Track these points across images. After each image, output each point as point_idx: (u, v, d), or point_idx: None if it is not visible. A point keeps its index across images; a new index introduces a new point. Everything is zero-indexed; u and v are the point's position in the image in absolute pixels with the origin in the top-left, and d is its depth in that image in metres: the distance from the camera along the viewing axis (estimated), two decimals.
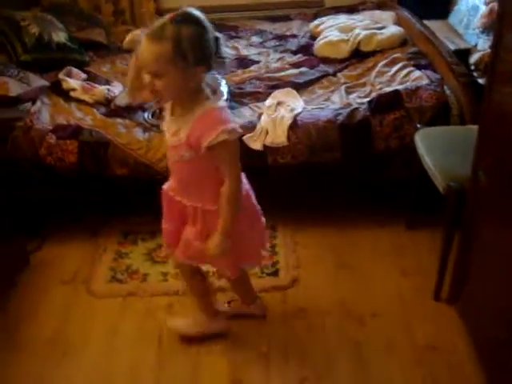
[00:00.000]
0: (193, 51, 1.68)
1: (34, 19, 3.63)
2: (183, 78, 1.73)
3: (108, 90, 3.23)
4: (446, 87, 2.87)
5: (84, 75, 3.45)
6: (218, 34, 1.77)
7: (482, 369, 2.14)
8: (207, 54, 1.73)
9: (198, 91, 1.80)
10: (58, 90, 3.26)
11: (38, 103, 3.07)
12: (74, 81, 3.30)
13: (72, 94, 3.22)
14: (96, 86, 3.28)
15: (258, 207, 2.15)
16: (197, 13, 1.72)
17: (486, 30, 3.16)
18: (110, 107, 3.13)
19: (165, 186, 2.08)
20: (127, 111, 3.06)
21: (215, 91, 1.85)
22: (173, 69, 1.70)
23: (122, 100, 3.18)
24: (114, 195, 2.90)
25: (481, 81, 2.92)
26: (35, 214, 2.94)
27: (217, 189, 1.90)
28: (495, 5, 3.02)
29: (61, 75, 3.34)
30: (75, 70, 3.45)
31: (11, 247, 2.68)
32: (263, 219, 2.19)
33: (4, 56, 3.46)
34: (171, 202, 2.05)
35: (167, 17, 1.69)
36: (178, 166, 1.96)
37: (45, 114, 2.99)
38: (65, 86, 3.26)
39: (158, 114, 2.99)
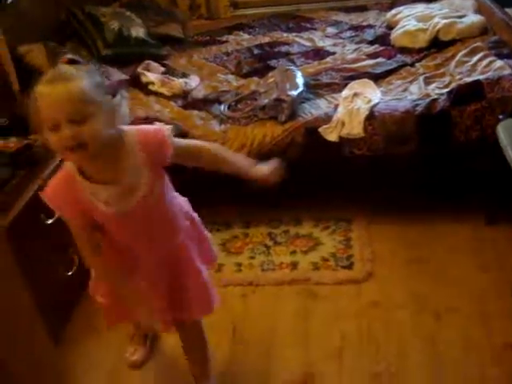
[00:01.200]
0: (102, 81, 1.53)
1: (114, 15, 3.74)
2: (110, 116, 1.51)
3: (185, 82, 3.30)
4: None
5: (162, 69, 3.53)
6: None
7: None
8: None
9: (116, 131, 1.57)
10: (137, 84, 3.35)
11: (118, 96, 3.15)
12: (152, 74, 3.38)
13: (151, 87, 3.29)
14: (174, 79, 3.35)
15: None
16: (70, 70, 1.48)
17: None
18: (187, 100, 3.18)
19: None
20: (204, 103, 3.11)
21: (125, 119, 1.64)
22: (98, 106, 1.47)
23: (199, 92, 3.23)
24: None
25: None
26: None
27: (179, 207, 1.81)
28: None
29: (140, 69, 3.43)
30: (153, 64, 3.54)
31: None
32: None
33: (85, 51, 3.57)
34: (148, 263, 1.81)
35: (55, 67, 1.48)
36: (143, 222, 1.68)
37: (124, 107, 3.07)
38: (144, 79, 3.35)
39: (234, 107, 3.03)
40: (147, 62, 3.53)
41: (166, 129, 1.63)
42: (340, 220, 2.94)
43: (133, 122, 2.84)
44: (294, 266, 2.69)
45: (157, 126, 1.69)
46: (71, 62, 1.49)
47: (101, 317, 2.10)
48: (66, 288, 2.46)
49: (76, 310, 2.56)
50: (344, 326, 2.37)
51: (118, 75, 3.36)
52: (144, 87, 3.30)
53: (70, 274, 2.43)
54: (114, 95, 1.65)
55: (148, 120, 2.92)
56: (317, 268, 2.67)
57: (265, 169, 1.80)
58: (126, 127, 1.61)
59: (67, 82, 1.41)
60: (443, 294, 2.47)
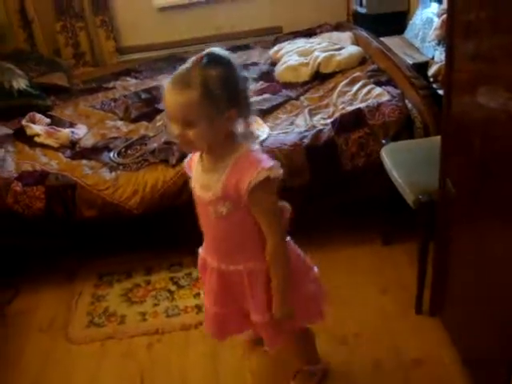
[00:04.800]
0: (223, 94, 1.53)
1: None
2: (216, 125, 1.57)
3: (72, 132, 3.22)
4: (407, 101, 2.90)
5: (47, 120, 3.43)
6: (246, 74, 1.64)
7: (470, 379, 2.13)
8: (238, 95, 1.58)
9: (230, 137, 1.63)
10: (22, 137, 3.24)
11: (2, 151, 3.05)
12: (37, 126, 3.29)
13: (36, 139, 3.19)
14: (60, 129, 3.27)
15: (303, 255, 1.98)
16: (224, 52, 1.59)
17: (440, 41, 3.20)
18: (75, 149, 3.11)
19: (201, 250, 1.93)
20: (93, 152, 3.04)
21: (246, 135, 1.67)
22: (204, 116, 1.53)
23: (87, 141, 3.17)
24: (85, 238, 2.86)
25: (441, 92, 2.96)
26: (7, 263, 2.88)
27: (260, 244, 1.73)
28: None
29: (24, 122, 3.33)
30: (38, 116, 3.44)
31: None
32: (315, 268, 2.02)
33: None
34: (211, 273, 1.85)
35: (191, 60, 1.54)
36: (214, 223, 1.74)
37: (9, 162, 2.97)
38: (28, 132, 3.24)
39: (124, 153, 2.98)
40: (31, 113, 3.42)
41: (264, 173, 1.60)
42: None
43: (20, 177, 2.79)
44: (198, 308, 2.64)
45: (265, 163, 1.62)
46: (207, 60, 1.53)
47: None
48: None
49: None
50: (254, 363, 2.35)
51: (1, 130, 3.25)
52: (29, 140, 3.20)
53: None
54: None
55: (36, 173, 2.83)
56: None
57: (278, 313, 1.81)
58: (252, 144, 1.68)
59: (183, 91, 1.51)
60: (349, 318, 2.49)
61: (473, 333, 2.10)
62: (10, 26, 4.40)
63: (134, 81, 4.05)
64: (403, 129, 2.79)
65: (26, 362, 2.48)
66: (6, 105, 3.53)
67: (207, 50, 1.56)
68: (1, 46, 4.33)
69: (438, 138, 2.23)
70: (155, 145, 2.86)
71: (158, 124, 3.04)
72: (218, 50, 1.58)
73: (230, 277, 1.81)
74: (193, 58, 1.54)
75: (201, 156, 1.72)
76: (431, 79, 3.19)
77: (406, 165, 2.47)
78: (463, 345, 2.21)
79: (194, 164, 1.78)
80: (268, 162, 1.62)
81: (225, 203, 1.66)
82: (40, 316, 2.72)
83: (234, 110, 1.57)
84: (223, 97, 1.53)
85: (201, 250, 1.92)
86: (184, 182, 2.72)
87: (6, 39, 4.43)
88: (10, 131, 3.29)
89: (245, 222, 1.70)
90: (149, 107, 3.52)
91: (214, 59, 1.54)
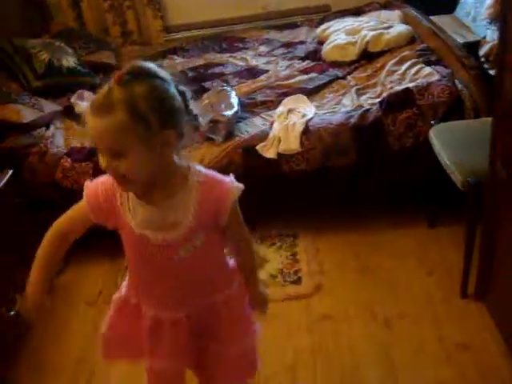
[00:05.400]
0: (155, 112, 1.28)
1: (44, 46, 3.68)
2: (152, 151, 1.32)
3: None
4: (457, 81, 2.83)
5: None
6: (183, 88, 1.40)
7: None
8: (174, 111, 1.34)
9: (171, 162, 1.40)
10: (71, 114, 3.29)
11: (52, 128, 3.10)
12: (85, 104, 3.33)
13: None
14: None
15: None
16: (150, 65, 1.35)
17: (493, 20, 3.12)
18: None
19: (122, 296, 1.68)
20: None
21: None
22: (135, 143, 1.29)
23: None
24: None
25: (492, 72, 2.88)
26: None
27: (228, 268, 1.64)
28: None
29: (73, 99, 3.38)
30: (87, 93, 3.48)
31: None
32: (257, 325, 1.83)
33: (16, 84, 3.50)
34: (172, 326, 1.60)
35: (112, 79, 1.30)
36: (175, 267, 1.51)
37: (59, 139, 3.02)
38: (77, 109, 3.29)
39: None
40: (80, 91, 3.46)
41: (235, 191, 1.45)
42: (285, 236, 2.94)
43: (69, 152, 2.84)
44: None
45: (228, 181, 1.46)
46: (129, 76, 1.29)
47: (48, 355, 2.01)
48: (9, 328, 2.37)
49: (20, 350, 2.47)
50: (296, 341, 2.36)
51: (50, 107, 3.30)
52: (78, 117, 3.24)
53: (12, 313, 2.34)
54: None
55: (85, 149, 2.88)
56: (265, 285, 2.65)
57: (257, 303, 1.76)
58: (195, 164, 1.46)
59: (106, 115, 1.27)
60: (392, 301, 2.49)
61: None
62: (60, 5, 4.45)
63: (180, 59, 4.06)
64: (453, 109, 2.73)
65: (71, 334, 2.55)
66: (56, 82, 3.58)
67: (129, 65, 1.33)
68: (51, 25, 4.39)
69: (489, 119, 2.18)
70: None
71: (205, 102, 3.04)
72: (142, 63, 1.35)
73: (197, 319, 1.62)
74: (114, 76, 1.30)
75: (138, 194, 1.43)
76: (482, 59, 3.11)
77: (455, 146, 2.43)
78: (507, 330, 2.17)
79: (119, 205, 1.46)
80: (226, 177, 1.48)
81: (198, 235, 1.46)
82: (87, 289, 2.78)
83: (171, 130, 1.33)
84: (155, 117, 1.28)
85: (122, 296, 1.68)
86: (230, 161, 2.74)
87: (55, 18, 4.50)
88: (60, 108, 3.34)
89: (217, 247, 1.57)
90: (195, 85, 3.52)
91: (138, 74, 1.31)
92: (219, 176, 1.48)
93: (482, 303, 2.36)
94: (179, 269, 1.52)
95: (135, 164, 1.31)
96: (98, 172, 2.69)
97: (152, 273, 1.54)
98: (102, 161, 1.34)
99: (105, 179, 1.47)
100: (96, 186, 1.49)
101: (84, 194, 1.49)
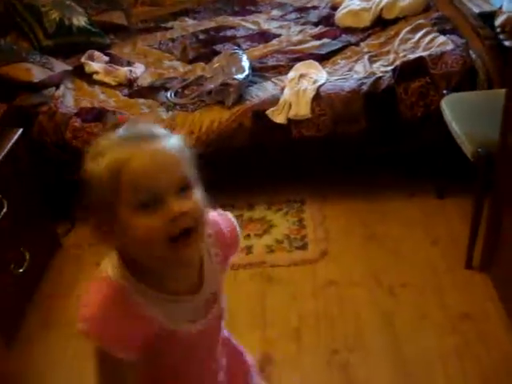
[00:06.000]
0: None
1: (54, 5, 3.64)
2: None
3: (130, 71, 3.24)
4: (471, 51, 2.80)
5: (106, 58, 3.46)
6: None
7: None
8: None
9: None
10: (81, 74, 3.29)
11: (62, 88, 3.10)
12: (96, 64, 3.32)
13: (95, 76, 3.24)
14: (118, 67, 3.29)
15: None
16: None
17: None
18: (132, 88, 3.14)
19: None
20: (150, 91, 3.07)
21: None
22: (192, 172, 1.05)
23: (145, 80, 3.19)
24: None
25: (507, 43, 2.84)
26: (64, 197, 2.97)
27: None
28: None
29: (83, 59, 3.36)
30: (97, 53, 3.47)
31: (43, 231, 2.73)
32: None
33: (27, 43, 3.49)
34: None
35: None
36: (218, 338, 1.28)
37: (69, 98, 3.02)
38: (87, 69, 3.28)
39: (181, 93, 3.00)
40: (90, 51, 3.45)
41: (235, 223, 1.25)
42: (292, 201, 2.95)
43: (79, 113, 2.84)
44: (248, 249, 2.68)
45: (224, 216, 1.24)
46: None
47: (57, 311, 2.03)
48: (18, 285, 2.41)
49: (29, 308, 2.51)
50: (301, 306, 2.38)
51: (61, 66, 3.28)
52: (88, 77, 3.24)
53: (21, 271, 2.38)
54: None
55: (95, 110, 2.88)
56: (271, 251, 2.67)
57: None
58: None
59: (168, 136, 1.03)
60: (397, 269, 2.50)
61: None
62: None
63: (192, 21, 4.02)
64: (466, 80, 2.70)
65: (79, 292, 2.57)
66: (66, 41, 3.56)
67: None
68: None
69: (502, 90, 2.16)
70: (212, 86, 2.85)
71: (216, 65, 3.02)
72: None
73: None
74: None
75: (135, 279, 1.06)
76: (498, 30, 3.06)
77: (467, 117, 2.41)
78: (510, 301, 2.19)
79: (116, 315, 1.03)
80: (228, 220, 1.25)
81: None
82: (96, 249, 2.80)
83: None
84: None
85: None
86: (239, 125, 2.73)
87: None
88: (70, 68, 3.32)
89: None
90: (206, 48, 3.50)
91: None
92: (217, 217, 1.24)
93: (487, 275, 2.38)
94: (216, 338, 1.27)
95: (199, 194, 1.04)
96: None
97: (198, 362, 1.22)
98: (173, 205, 0.97)
99: (96, 306, 1.03)
100: (98, 318, 1.03)
101: (91, 336, 1.03)
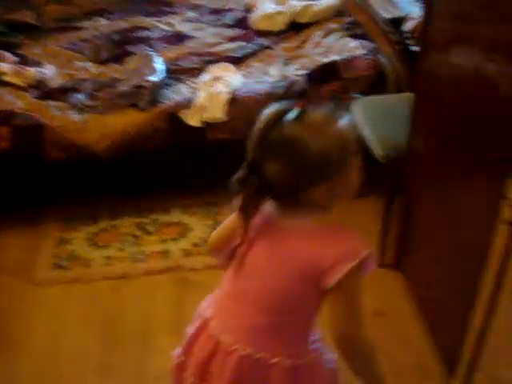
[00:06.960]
0: None
1: None
2: None
3: (40, 71, 3.14)
4: (381, 56, 2.88)
5: (15, 58, 3.33)
6: None
7: (427, 331, 2.19)
8: None
9: None
10: None
11: None
12: (4, 64, 3.19)
13: (3, 77, 3.11)
14: (28, 68, 3.18)
15: None
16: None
17: None
18: (42, 90, 3.03)
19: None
20: (61, 93, 2.97)
21: None
22: None
23: (55, 82, 3.09)
24: (51, 181, 2.83)
25: (415, 48, 2.94)
26: None
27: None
28: None
29: None
30: (6, 54, 3.33)
31: None
32: None
33: None
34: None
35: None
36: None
37: None
38: None
39: (93, 95, 2.92)
40: (0, 51, 3.32)
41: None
42: (208, 204, 2.94)
43: None
44: (165, 254, 2.66)
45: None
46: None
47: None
48: None
49: None
50: None
51: None
52: None
53: None
54: None
55: (2, 112, 2.77)
56: (188, 254, 2.66)
57: None
58: None
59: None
60: None
61: (432, 287, 2.15)
62: None
63: (105, 21, 3.93)
64: (376, 84, 2.78)
65: None
66: None
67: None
68: None
69: (410, 94, 2.24)
70: (125, 88, 2.81)
71: (129, 67, 2.97)
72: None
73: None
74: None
75: None
76: (406, 35, 3.16)
77: (377, 120, 2.47)
78: (421, 298, 2.26)
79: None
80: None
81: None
82: (4, 258, 2.70)
83: None
84: None
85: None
86: (155, 127, 2.70)
87: None
88: None
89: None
90: (119, 49, 3.43)
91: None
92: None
93: (400, 273, 2.44)
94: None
95: None
96: (16, 136, 2.64)
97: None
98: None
99: None
100: None
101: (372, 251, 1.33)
